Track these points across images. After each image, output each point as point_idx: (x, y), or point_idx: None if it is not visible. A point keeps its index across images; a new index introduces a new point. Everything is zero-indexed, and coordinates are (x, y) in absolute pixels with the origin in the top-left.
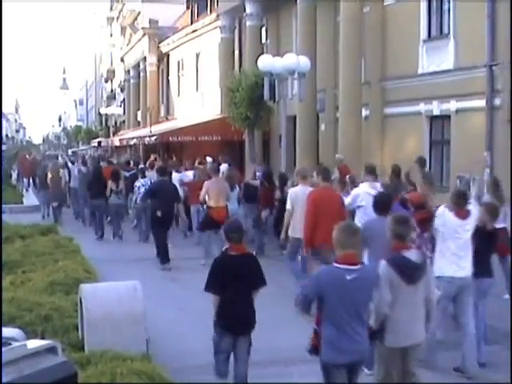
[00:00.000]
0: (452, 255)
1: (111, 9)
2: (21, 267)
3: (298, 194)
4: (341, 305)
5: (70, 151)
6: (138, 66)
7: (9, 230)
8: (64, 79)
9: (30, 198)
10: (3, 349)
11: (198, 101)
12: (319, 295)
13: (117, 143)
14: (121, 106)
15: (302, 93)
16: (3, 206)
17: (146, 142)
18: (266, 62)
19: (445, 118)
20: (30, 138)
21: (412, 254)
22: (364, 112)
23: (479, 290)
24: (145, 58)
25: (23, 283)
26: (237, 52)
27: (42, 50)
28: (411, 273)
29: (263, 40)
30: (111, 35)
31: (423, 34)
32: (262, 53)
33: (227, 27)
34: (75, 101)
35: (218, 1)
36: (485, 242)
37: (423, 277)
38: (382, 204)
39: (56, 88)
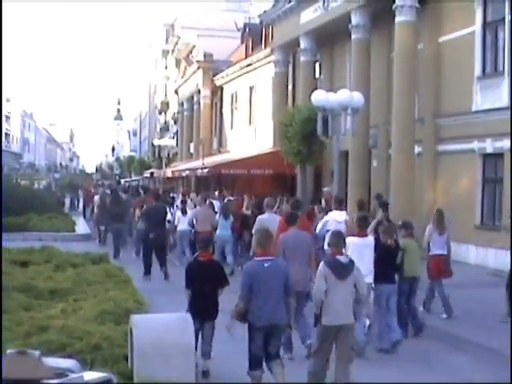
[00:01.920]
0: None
1: (166, 42)
2: (72, 295)
3: (264, 221)
4: (261, 285)
5: (122, 181)
6: (192, 98)
7: (60, 258)
8: (118, 110)
9: (82, 227)
10: (61, 380)
11: (250, 134)
12: (250, 284)
13: (169, 175)
14: (174, 137)
15: (354, 128)
16: (56, 233)
17: (198, 174)
18: (320, 96)
19: (498, 156)
20: (83, 166)
21: (342, 258)
22: (417, 149)
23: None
24: (199, 90)
25: (74, 311)
26: (290, 86)
27: (98, 80)
28: (340, 270)
29: (317, 75)
30: (166, 68)
31: (477, 71)
32: (316, 88)
33: (281, 62)
34: (129, 131)
35: (272, 35)
36: (386, 255)
37: (350, 274)
38: (291, 219)
39: (110, 118)
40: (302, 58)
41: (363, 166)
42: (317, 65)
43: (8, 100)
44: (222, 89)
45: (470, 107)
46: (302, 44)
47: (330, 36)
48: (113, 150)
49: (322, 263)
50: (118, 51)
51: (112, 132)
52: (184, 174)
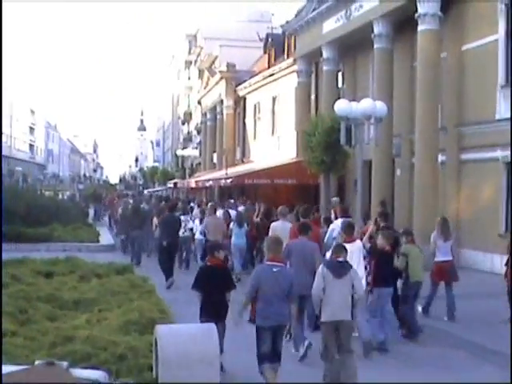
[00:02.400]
0: None
1: (189, 52)
2: (96, 306)
3: (277, 229)
4: (268, 288)
5: (146, 191)
6: (215, 108)
7: (85, 269)
8: (142, 121)
9: (106, 237)
10: None
11: (273, 144)
12: (257, 285)
13: (193, 185)
14: (197, 148)
15: (378, 137)
16: (80, 244)
17: (222, 184)
18: (343, 106)
19: None
20: (107, 177)
21: (340, 258)
22: (440, 158)
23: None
24: (222, 100)
25: (99, 322)
26: (313, 96)
27: (121, 91)
28: (337, 269)
29: (340, 84)
30: (189, 78)
31: (501, 80)
32: (339, 97)
33: (304, 71)
34: (152, 142)
35: (295, 45)
36: (383, 260)
37: (347, 273)
38: (303, 229)
39: (134, 129)
40: (325, 68)
41: (387, 175)
42: (339, 74)
43: (32, 112)
44: (244, 99)
45: (493, 115)
46: (325, 54)
47: (353, 45)
48: (136, 160)
49: (321, 265)
50: (141, 62)
51: (135, 143)
52: (207, 185)
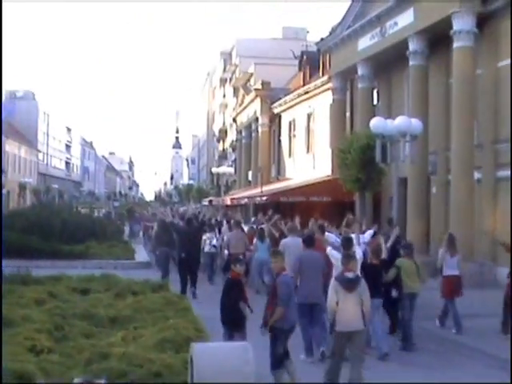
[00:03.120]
0: None
1: (224, 70)
2: (132, 323)
3: (286, 244)
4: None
5: (181, 209)
6: (250, 126)
7: (121, 286)
8: (177, 138)
9: (142, 254)
10: None
11: (309, 161)
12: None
13: (228, 202)
14: (232, 165)
15: (413, 155)
16: (115, 261)
17: (257, 202)
18: (378, 123)
19: None
20: (142, 194)
21: (350, 274)
22: (476, 175)
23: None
24: (257, 118)
25: (134, 339)
26: (348, 113)
27: (156, 109)
28: (348, 285)
29: (375, 102)
30: (224, 96)
31: None
32: (374, 114)
33: (339, 89)
34: (187, 159)
35: (329, 63)
36: (370, 272)
37: (357, 288)
38: (308, 241)
39: (168, 146)
40: (360, 85)
41: (422, 192)
42: (374, 91)
43: (69, 129)
44: (280, 116)
45: None
46: (360, 71)
47: (388, 62)
48: (171, 178)
49: (333, 279)
50: (176, 79)
51: (170, 160)
52: (242, 202)
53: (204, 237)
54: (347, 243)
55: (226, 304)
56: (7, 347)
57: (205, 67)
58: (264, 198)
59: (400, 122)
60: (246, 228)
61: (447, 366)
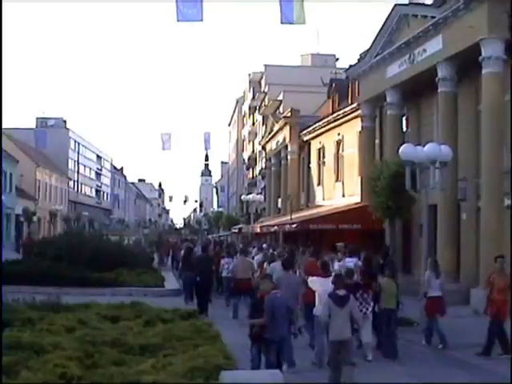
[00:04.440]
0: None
1: (253, 98)
2: (162, 351)
3: (273, 268)
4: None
5: (210, 237)
6: (280, 153)
7: (150, 314)
8: (206, 166)
9: (171, 282)
10: None
11: (338, 189)
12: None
13: (257, 230)
14: (261, 193)
15: (443, 182)
16: (145, 288)
17: (287, 230)
18: (408, 150)
19: None
20: (172, 221)
21: (341, 292)
22: (506, 201)
23: None
24: (286, 146)
25: (164, 367)
26: (377, 140)
27: (185, 135)
28: (338, 301)
29: (404, 128)
30: (253, 123)
31: None
32: (403, 141)
33: (368, 116)
34: (216, 187)
35: (358, 90)
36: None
37: (347, 304)
38: (286, 263)
39: (197, 173)
40: (389, 112)
41: (452, 219)
42: (403, 118)
43: (99, 157)
44: (309, 144)
45: None
46: (389, 98)
47: (417, 89)
48: (201, 205)
49: (327, 296)
50: (205, 107)
51: (198, 187)
52: (272, 230)
53: (222, 261)
54: (323, 267)
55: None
56: (38, 374)
57: (233, 91)
58: (294, 226)
59: (430, 148)
60: (259, 255)
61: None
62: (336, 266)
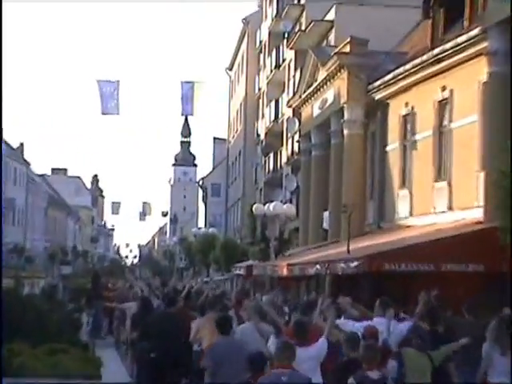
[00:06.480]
0: None
1: (278, 16)
2: None
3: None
4: None
5: (193, 283)
6: (327, 124)
7: None
8: (185, 145)
9: (115, 369)
10: None
11: (440, 195)
12: None
13: (284, 271)
14: (291, 200)
15: None
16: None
17: (339, 271)
18: None
19: None
20: (117, 252)
21: (373, 374)
22: None
23: None
24: (341, 110)
25: None
26: None
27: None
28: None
29: None
30: (277, 66)
31: None
32: None
33: (501, 53)
34: (204, 187)
35: (484, 3)
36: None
37: None
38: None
39: (168, 162)
40: None
41: None
42: None
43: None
44: (385, 107)
45: None
46: None
47: None
48: (173, 221)
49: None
50: (182, 41)
51: (168, 188)
52: (312, 271)
53: (193, 325)
54: (298, 330)
55: None
56: None
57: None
58: (353, 265)
59: None
60: None
61: None
62: (350, 325)
